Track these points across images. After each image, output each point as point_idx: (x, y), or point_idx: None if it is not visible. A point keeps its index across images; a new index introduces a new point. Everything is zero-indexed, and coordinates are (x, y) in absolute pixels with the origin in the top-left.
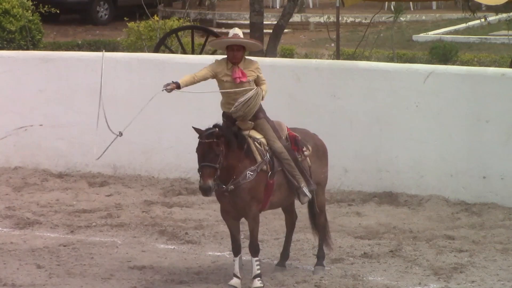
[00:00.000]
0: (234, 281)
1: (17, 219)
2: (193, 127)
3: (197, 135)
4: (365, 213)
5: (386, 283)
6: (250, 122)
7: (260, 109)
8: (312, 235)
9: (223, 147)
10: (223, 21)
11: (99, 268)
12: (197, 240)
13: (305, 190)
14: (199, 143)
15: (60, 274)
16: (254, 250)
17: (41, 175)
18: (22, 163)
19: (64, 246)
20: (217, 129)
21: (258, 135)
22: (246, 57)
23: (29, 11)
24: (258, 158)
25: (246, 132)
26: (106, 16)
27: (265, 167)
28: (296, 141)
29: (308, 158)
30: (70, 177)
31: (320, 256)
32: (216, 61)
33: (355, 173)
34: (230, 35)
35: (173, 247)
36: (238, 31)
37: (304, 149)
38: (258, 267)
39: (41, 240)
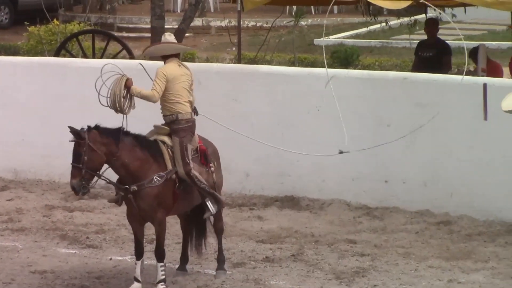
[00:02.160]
0: (135, 285)
1: None
2: (69, 127)
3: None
4: (266, 217)
5: (288, 287)
6: (166, 127)
7: (183, 128)
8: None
9: (89, 147)
10: (124, 25)
11: (0, 272)
12: (98, 245)
13: (210, 205)
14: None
15: None
16: (160, 255)
17: None
18: None
19: None
20: (85, 129)
21: (171, 142)
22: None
23: None
24: (169, 166)
25: (161, 138)
26: (7, 20)
27: (174, 176)
28: (205, 155)
29: (214, 174)
30: None
31: (221, 260)
32: (165, 71)
33: (256, 177)
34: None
35: (74, 251)
36: (171, 38)
37: (211, 164)
38: (163, 272)
39: None
